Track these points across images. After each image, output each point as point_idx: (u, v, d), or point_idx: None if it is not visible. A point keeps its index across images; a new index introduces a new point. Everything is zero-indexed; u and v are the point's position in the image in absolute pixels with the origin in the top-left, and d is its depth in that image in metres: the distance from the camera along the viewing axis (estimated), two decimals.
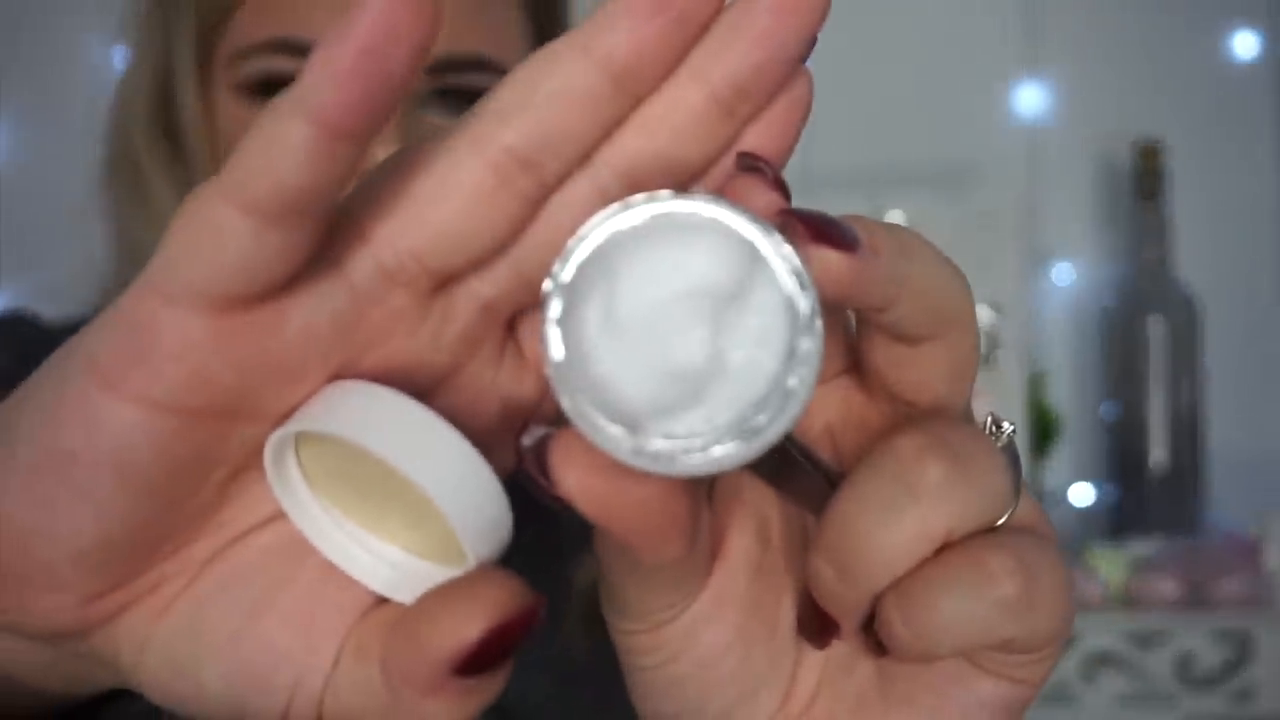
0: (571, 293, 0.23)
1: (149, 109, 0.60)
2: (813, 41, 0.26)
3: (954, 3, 1.29)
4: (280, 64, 0.57)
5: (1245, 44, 1.28)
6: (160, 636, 0.26)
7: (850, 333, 0.30)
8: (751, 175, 0.26)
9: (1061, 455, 1.24)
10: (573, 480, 0.23)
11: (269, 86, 0.57)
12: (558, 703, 0.59)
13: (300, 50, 0.56)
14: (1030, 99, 1.28)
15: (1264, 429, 1.27)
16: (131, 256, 0.61)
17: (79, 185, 1.23)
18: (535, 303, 0.27)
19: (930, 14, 1.28)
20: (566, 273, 0.23)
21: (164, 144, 0.60)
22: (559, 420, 0.23)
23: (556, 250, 0.24)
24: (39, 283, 1.24)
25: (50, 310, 1.22)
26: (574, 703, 0.59)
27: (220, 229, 0.23)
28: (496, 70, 0.60)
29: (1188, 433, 1.18)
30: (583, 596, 0.60)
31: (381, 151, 0.54)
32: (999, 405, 1.06)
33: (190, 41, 0.58)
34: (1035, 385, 1.18)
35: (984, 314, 1.07)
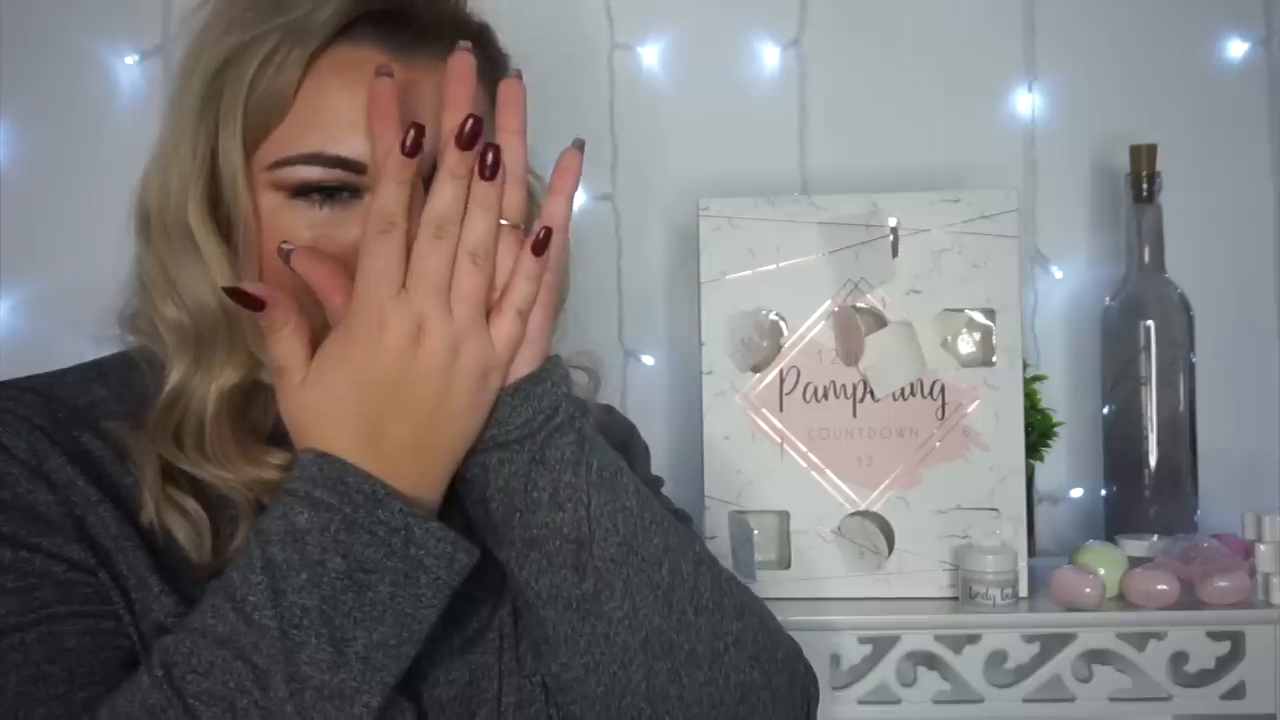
0: None
1: (200, 189, 0.74)
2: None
3: (951, 8, 1.29)
4: (313, 172, 0.73)
5: (1237, 49, 1.29)
6: None
7: None
8: None
9: (1058, 456, 1.24)
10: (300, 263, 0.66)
11: (302, 187, 0.73)
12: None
13: (329, 163, 0.73)
14: (1027, 103, 1.29)
15: (1257, 431, 1.28)
16: (179, 298, 0.75)
17: (79, 187, 1.24)
18: None
19: (928, 19, 1.29)
20: None
21: (210, 219, 0.74)
22: None
23: None
24: (39, 285, 1.25)
25: (49, 311, 1.22)
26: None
27: None
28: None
29: (1182, 434, 1.19)
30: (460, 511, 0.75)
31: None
32: (996, 407, 1.07)
33: (238, 139, 0.73)
34: (1032, 387, 1.19)
35: (981, 317, 1.08)
